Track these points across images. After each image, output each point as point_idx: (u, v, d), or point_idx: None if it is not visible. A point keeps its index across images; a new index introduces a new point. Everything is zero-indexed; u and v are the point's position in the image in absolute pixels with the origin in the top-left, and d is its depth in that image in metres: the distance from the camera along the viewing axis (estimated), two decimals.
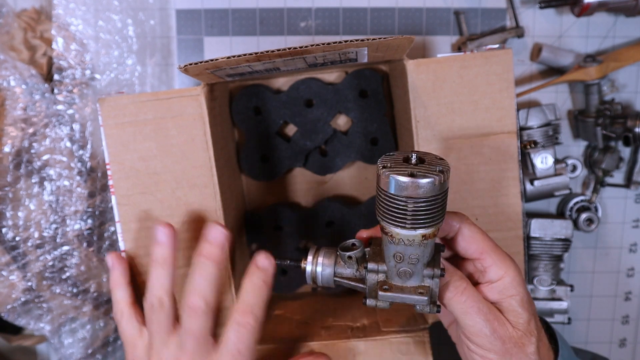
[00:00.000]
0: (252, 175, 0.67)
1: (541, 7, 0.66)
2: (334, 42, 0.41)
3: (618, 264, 0.75)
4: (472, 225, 0.43)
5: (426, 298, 0.40)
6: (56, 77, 0.63)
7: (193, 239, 0.54)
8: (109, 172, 0.53)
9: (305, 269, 0.45)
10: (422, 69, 0.52)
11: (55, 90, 0.63)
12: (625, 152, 0.71)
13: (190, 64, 0.42)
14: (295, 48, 0.42)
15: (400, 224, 0.37)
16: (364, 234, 0.46)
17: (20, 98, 0.61)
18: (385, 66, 0.66)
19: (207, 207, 0.54)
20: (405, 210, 0.36)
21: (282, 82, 0.67)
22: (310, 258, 0.45)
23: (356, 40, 0.42)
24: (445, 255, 0.46)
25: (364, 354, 0.56)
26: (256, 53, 0.42)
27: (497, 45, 0.53)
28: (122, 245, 0.54)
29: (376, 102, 0.65)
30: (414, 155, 0.37)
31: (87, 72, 0.64)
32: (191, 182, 0.54)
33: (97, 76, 0.65)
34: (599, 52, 0.70)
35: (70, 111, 0.65)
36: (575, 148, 0.73)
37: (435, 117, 0.53)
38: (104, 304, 0.69)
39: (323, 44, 0.42)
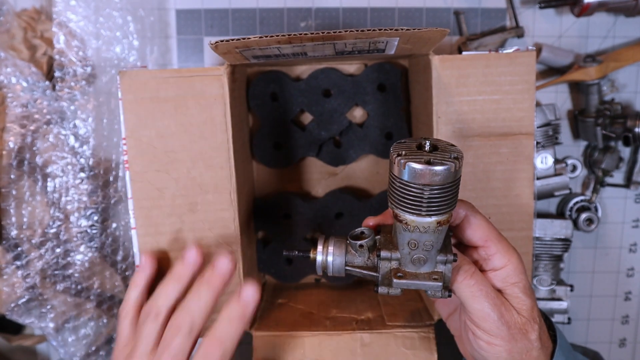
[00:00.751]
0: (264, 161, 0.67)
1: (541, 7, 0.66)
2: (367, 30, 0.41)
3: (618, 264, 0.75)
4: (478, 214, 0.43)
5: (440, 284, 0.40)
6: (57, 74, 0.62)
7: (204, 220, 0.54)
8: (124, 148, 0.53)
9: (315, 259, 0.44)
10: (447, 65, 0.52)
11: (57, 87, 0.63)
12: (625, 152, 0.72)
13: (221, 41, 0.42)
14: (329, 32, 0.42)
15: (415, 211, 0.37)
16: (370, 221, 0.46)
17: (21, 95, 0.61)
18: (404, 61, 0.66)
19: (221, 190, 0.54)
20: (421, 197, 0.36)
21: (302, 70, 0.66)
22: (320, 248, 0.44)
23: (390, 29, 0.42)
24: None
25: (369, 346, 0.56)
26: (289, 34, 0.41)
27: (529, 46, 0.54)
28: (132, 222, 0.54)
29: (394, 97, 0.64)
30: (428, 142, 0.37)
31: (88, 68, 0.64)
32: (207, 163, 0.53)
33: (98, 73, 0.65)
34: (599, 52, 0.70)
35: (72, 108, 0.64)
36: (575, 148, 0.73)
37: (457, 114, 0.53)
38: (107, 301, 0.69)
39: (356, 30, 0.41)
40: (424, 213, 0.37)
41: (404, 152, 0.36)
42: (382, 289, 0.42)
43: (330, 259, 0.43)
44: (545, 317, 0.47)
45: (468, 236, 0.43)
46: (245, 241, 0.59)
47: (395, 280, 0.40)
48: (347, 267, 0.43)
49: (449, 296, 0.41)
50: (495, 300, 0.41)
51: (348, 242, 0.43)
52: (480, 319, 0.41)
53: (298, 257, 0.47)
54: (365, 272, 0.43)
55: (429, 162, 0.35)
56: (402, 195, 0.37)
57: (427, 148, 0.37)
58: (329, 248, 0.44)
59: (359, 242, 0.42)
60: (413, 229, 0.38)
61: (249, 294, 0.44)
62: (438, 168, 0.35)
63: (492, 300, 0.41)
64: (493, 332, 0.41)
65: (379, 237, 0.43)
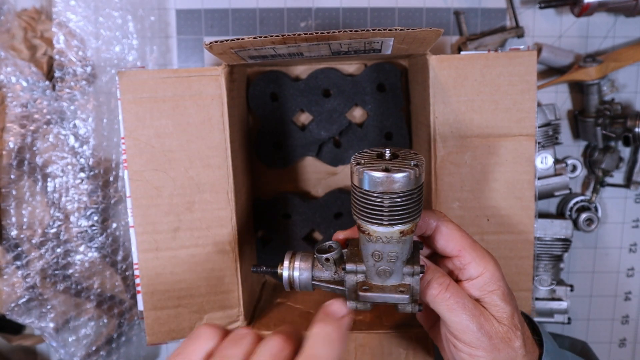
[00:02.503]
0: (263, 161, 0.67)
1: (541, 7, 0.65)
2: (362, 30, 0.41)
3: (618, 264, 0.75)
4: (450, 223, 0.43)
5: (407, 296, 0.39)
6: (57, 73, 0.63)
7: (201, 219, 0.54)
8: (123, 147, 0.53)
9: (282, 274, 0.43)
10: (444, 65, 0.52)
11: (57, 87, 0.63)
12: (625, 152, 0.71)
13: (216, 42, 0.42)
14: (322, 33, 0.41)
15: (377, 221, 0.36)
16: (340, 235, 0.45)
17: (20, 95, 0.62)
18: (404, 61, 0.66)
19: (219, 189, 0.54)
20: (382, 206, 0.36)
21: (301, 70, 0.66)
22: (286, 263, 0.43)
23: (384, 29, 0.41)
24: (424, 253, 0.45)
25: (366, 346, 0.56)
26: (283, 35, 0.41)
27: (522, 46, 0.53)
28: (131, 221, 0.54)
29: (393, 97, 0.64)
30: (387, 151, 0.37)
31: (88, 68, 0.64)
32: (205, 162, 0.53)
33: (98, 73, 0.65)
34: (599, 52, 0.70)
35: (72, 108, 0.65)
36: (575, 148, 0.72)
37: (455, 114, 0.53)
38: (107, 301, 0.69)
39: (350, 30, 0.41)
40: (385, 222, 0.36)
41: (363, 161, 0.36)
42: (350, 304, 0.41)
43: (296, 274, 0.43)
44: (530, 321, 0.46)
45: (441, 246, 0.42)
46: (244, 240, 0.59)
47: (361, 294, 0.39)
48: (314, 282, 0.43)
49: (420, 310, 0.40)
50: (473, 311, 0.40)
51: (315, 256, 0.42)
52: (459, 332, 0.40)
53: (267, 273, 0.45)
54: (332, 286, 0.42)
55: (386, 170, 0.35)
56: (364, 205, 0.36)
57: (387, 156, 0.37)
58: (295, 263, 0.43)
59: (324, 256, 0.41)
60: (376, 239, 0.37)
61: (339, 308, 0.36)
62: (397, 175, 0.35)
63: (470, 312, 0.40)
64: (474, 344, 0.40)
65: (345, 250, 0.42)
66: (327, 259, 0.41)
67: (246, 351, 0.34)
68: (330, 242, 0.43)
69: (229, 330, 0.37)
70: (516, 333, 0.41)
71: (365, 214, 0.37)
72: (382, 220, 0.36)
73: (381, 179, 0.35)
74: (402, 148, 0.38)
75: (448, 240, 0.42)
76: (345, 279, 0.41)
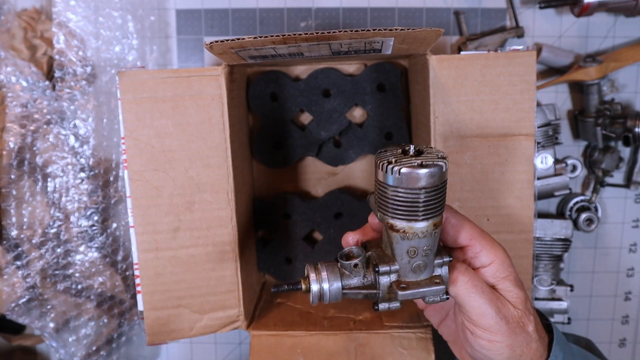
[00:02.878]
0: (263, 161, 0.67)
1: (541, 7, 0.66)
2: (362, 30, 0.41)
3: (618, 264, 0.75)
4: (458, 214, 0.43)
5: (444, 287, 0.39)
6: (57, 73, 0.63)
7: (201, 219, 0.54)
8: (123, 147, 0.53)
9: (309, 289, 0.41)
10: (444, 65, 0.52)
11: (57, 87, 0.63)
12: (625, 152, 0.71)
13: (216, 42, 0.42)
14: (322, 33, 0.41)
15: (412, 217, 0.36)
16: (349, 237, 0.44)
17: (20, 95, 0.62)
18: (405, 61, 0.66)
19: (219, 189, 0.54)
20: (418, 202, 0.36)
21: (301, 70, 0.66)
22: (313, 276, 0.41)
23: (384, 29, 0.41)
24: None
25: (366, 346, 0.56)
26: (283, 35, 0.41)
27: (521, 47, 0.53)
28: (131, 221, 0.54)
29: (393, 97, 0.64)
30: (412, 147, 0.37)
31: (88, 68, 0.64)
32: (205, 162, 0.53)
33: (98, 73, 0.65)
34: (599, 52, 0.70)
35: (72, 108, 0.65)
36: (575, 148, 0.72)
37: (455, 114, 0.53)
38: (107, 301, 0.69)
39: (351, 30, 0.41)
40: (420, 217, 0.36)
41: (393, 160, 0.36)
42: (382, 306, 0.40)
43: (326, 286, 0.41)
44: (536, 309, 0.47)
45: (452, 238, 0.43)
46: (244, 240, 0.59)
47: (400, 293, 0.39)
48: (344, 291, 0.41)
49: (447, 298, 0.41)
50: (491, 296, 0.41)
51: (339, 264, 0.41)
52: (478, 317, 0.41)
53: (289, 291, 0.43)
54: (364, 291, 0.41)
55: (422, 165, 0.35)
56: (397, 203, 0.36)
57: (412, 152, 0.37)
58: (322, 274, 0.41)
59: (353, 262, 0.41)
60: (412, 236, 0.37)
61: None
62: (433, 169, 0.35)
63: (488, 296, 0.40)
64: (493, 329, 0.40)
65: (369, 253, 0.42)
66: (355, 265, 0.41)
67: None
68: (348, 247, 0.42)
69: None
70: (529, 318, 0.41)
71: (400, 212, 0.36)
72: (417, 216, 0.36)
73: (419, 175, 0.35)
74: (419, 144, 0.38)
75: (458, 230, 0.42)
76: (379, 281, 0.40)
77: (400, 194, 0.36)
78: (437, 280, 0.39)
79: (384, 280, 0.40)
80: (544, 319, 0.45)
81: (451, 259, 0.40)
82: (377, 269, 0.40)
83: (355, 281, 0.41)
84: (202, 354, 0.76)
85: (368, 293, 0.41)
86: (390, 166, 0.35)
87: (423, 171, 0.35)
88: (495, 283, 0.42)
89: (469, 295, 0.40)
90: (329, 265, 0.42)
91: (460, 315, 0.44)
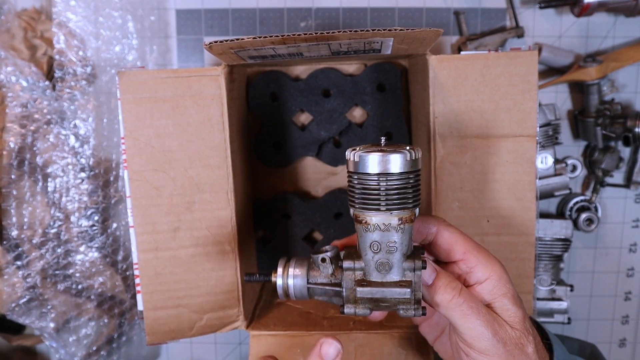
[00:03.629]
0: (263, 161, 0.67)
1: (541, 7, 0.65)
2: (361, 30, 0.41)
3: (618, 264, 0.75)
4: (451, 227, 0.42)
5: (409, 290, 0.37)
6: (57, 73, 0.63)
7: (201, 219, 0.54)
8: (123, 147, 0.53)
9: (275, 282, 0.41)
10: (444, 65, 0.52)
11: (57, 87, 0.63)
12: (625, 152, 0.71)
13: (216, 42, 0.42)
14: (322, 33, 0.41)
15: (374, 206, 0.36)
16: (337, 242, 0.44)
17: (20, 95, 0.62)
18: (404, 61, 0.66)
19: (218, 189, 0.54)
20: (378, 189, 0.35)
21: (301, 70, 0.66)
22: (280, 270, 0.41)
23: (383, 29, 0.41)
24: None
25: (366, 346, 0.56)
26: (282, 35, 0.41)
27: (523, 46, 0.53)
28: (131, 221, 0.54)
29: (393, 97, 0.64)
30: (383, 139, 0.37)
31: (88, 68, 0.64)
32: (205, 162, 0.53)
33: (98, 72, 0.65)
34: (599, 52, 0.69)
35: (72, 107, 0.65)
36: (575, 148, 0.72)
37: (454, 114, 0.53)
38: (107, 301, 0.69)
39: (350, 30, 0.41)
40: (383, 208, 0.36)
41: (357, 148, 0.36)
42: (348, 308, 0.38)
43: (291, 281, 0.41)
44: (537, 325, 0.45)
45: (445, 251, 0.41)
46: (244, 240, 0.59)
47: (358, 289, 0.37)
48: (309, 285, 0.40)
49: (423, 314, 0.38)
50: (487, 317, 0.39)
51: (310, 259, 0.41)
52: (473, 339, 0.39)
53: (260, 281, 0.43)
54: (328, 288, 0.40)
55: (382, 151, 0.35)
56: (360, 190, 0.36)
57: (382, 143, 0.37)
58: (289, 270, 0.41)
59: (320, 256, 0.40)
60: (374, 227, 0.37)
61: (331, 349, 0.38)
62: (392, 155, 0.35)
63: (484, 317, 0.38)
64: (489, 352, 0.38)
65: (342, 251, 0.41)
66: (323, 259, 0.40)
67: None
68: (324, 246, 0.42)
69: None
70: (528, 338, 0.40)
71: (361, 201, 0.36)
72: (379, 205, 0.36)
73: (377, 159, 0.35)
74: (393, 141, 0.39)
75: (451, 243, 0.41)
76: (343, 278, 0.39)
77: (363, 181, 0.36)
78: (403, 284, 0.37)
79: (348, 277, 0.39)
80: (544, 338, 0.44)
81: (424, 265, 0.38)
82: (340, 264, 0.39)
83: (322, 278, 0.40)
84: (202, 354, 0.76)
85: (333, 291, 0.40)
86: (354, 152, 0.36)
87: (385, 156, 0.35)
88: (492, 301, 0.40)
89: (465, 317, 0.38)
90: (300, 260, 0.42)
91: (454, 336, 0.42)
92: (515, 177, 0.54)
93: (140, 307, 0.55)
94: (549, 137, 0.66)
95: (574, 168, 0.70)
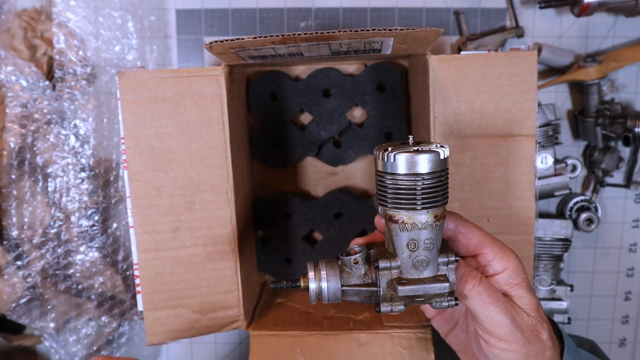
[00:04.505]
0: (263, 161, 0.67)
1: (541, 7, 0.65)
2: (362, 30, 0.41)
3: (618, 264, 0.75)
4: (468, 222, 0.43)
5: (447, 284, 0.38)
6: (57, 73, 0.63)
7: (201, 219, 0.54)
8: (123, 147, 0.53)
9: (307, 286, 0.40)
10: (444, 65, 0.52)
11: (57, 87, 0.63)
12: (625, 152, 0.71)
13: (216, 42, 0.42)
14: (322, 33, 0.41)
15: (410, 206, 0.36)
16: (359, 241, 0.44)
17: (20, 95, 0.62)
18: (405, 61, 0.66)
19: (218, 189, 0.54)
20: (415, 189, 0.36)
21: (301, 70, 0.66)
22: (311, 274, 0.40)
23: (383, 29, 0.41)
24: None
25: (366, 346, 0.56)
26: (282, 35, 0.41)
27: (523, 46, 0.53)
28: (131, 221, 0.54)
29: (393, 97, 0.64)
30: (411, 138, 0.38)
31: (88, 68, 0.65)
32: (205, 162, 0.53)
33: (98, 72, 0.65)
34: (599, 52, 0.69)
35: (72, 107, 0.65)
36: (575, 148, 0.72)
37: (454, 114, 0.53)
38: (107, 301, 0.69)
39: (350, 30, 0.41)
40: (419, 207, 0.36)
41: (389, 148, 0.36)
42: (384, 307, 0.39)
43: (324, 285, 0.40)
44: (546, 315, 0.47)
45: (463, 246, 0.42)
46: (244, 240, 0.59)
47: (399, 288, 0.37)
48: (344, 288, 0.40)
49: (456, 304, 0.39)
50: (505, 305, 0.40)
51: (340, 262, 0.40)
52: (493, 326, 0.40)
53: (288, 288, 0.42)
54: (364, 289, 0.40)
55: (419, 151, 0.35)
56: (395, 191, 0.36)
57: (410, 143, 0.37)
58: (321, 272, 0.40)
59: (352, 257, 0.40)
60: (411, 227, 0.37)
61: None
62: (428, 155, 0.35)
63: (503, 305, 0.40)
64: (508, 338, 0.40)
65: (371, 250, 0.41)
66: (355, 261, 0.40)
67: None
68: (351, 247, 0.41)
69: None
70: (543, 325, 0.41)
71: (397, 201, 0.36)
72: (415, 204, 0.36)
73: (414, 159, 0.35)
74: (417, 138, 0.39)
75: (469, 238, 0.42)
76: (380, 278, 0.39)
77: (398, 181, 0.36)
78: (441, 278, 0.38)
79: (385, 276, 0.39)
80: (554, 325, 0.45)
81: (457, 258, 0.39)
82: (376, 265, 0.39)
83: (355, 279, 0.40)
84: (202, 354, 0.76)
85: (368, 291, 0.40)
86: (387, 153, 0.36)
87: (419, 156, 0.35)
88: (509, 290, 0.41)
89: (484, 305, 0.40)
90: (329, 263, 0.41)
91: (473, 324, 0.43)
92: (514, 176, 0.54)
93: (140, 307, 0.55)
94: (549, 137, 0.66)
95: (574, 168, 0.70)
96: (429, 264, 0.39)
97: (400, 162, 0.35)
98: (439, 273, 0.39)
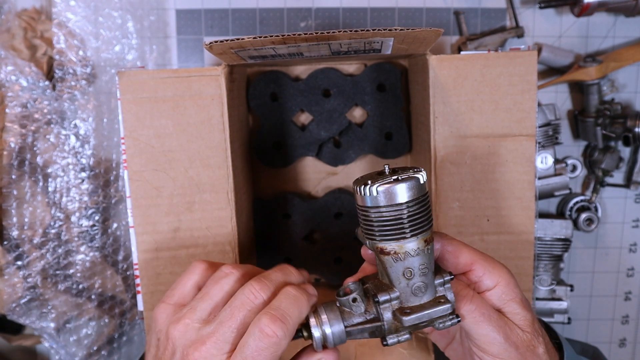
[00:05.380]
0: (263, 161, 0.67)
1: (541, 7, 0.65)
2: (362, 30, 0.41)
3: (618, 264, 0.75)
4: (454, 240, 0.42)
5: (449, 305, 0.38)
6: (57, 73, 0.63)
7: (201, 219, 0.54)
8: (123, 147, 0.53)
9: (313, 335, 0.39)
10: (444, 65, 0.52)
11: (57, 87, 0.63)
12: (625, 152, 0.71)
13: (216, 42, 0.42)
14: (322, 33, 0.41)
15: (400, 236, 0.36)
16: (349, 281, 0.43)
17: (20, 95, 0.62)
18: (405, 61, 0.66)
19: (218, 189, 0.54)
20: (401, 218, 0.36)
21: (301, 70, 0.66)
22: (312, 321, 0.39)
23: (383, 29, 0.41)
24: None
25: (366, 346, 0.56)
26: (282, 35, 0.41)
27: (522, 46, 0.53)
28: (131, 221, 0.54)
29: (393, 97, 0.64)
30: (387, 167, 0.37)
31: (88, 68, 0.65)
32: (205, 162, 0.53)
33: (98, 72, 0.65)
34: (599, 52, 0.70)
35: (72, 107, 0.65)
36: (575, 148, 0.72)
37: (454, 114, 0.53)
38: (108, 301, 0.69)
39: (350, 30, 0.41)
40: (408, 235, 0.36)
41: (369, 182, 0.36)
42: (391, 339, 0.39)
43: (327, 330, 0.39)
44: (546, 326, 0.46)
45: (451, 265, 0.42)
46: (244, 240, 0.59)
47: (404, 318, 0.37)
48: (348, 329, 0.39)
49: (459, 321, 0.39)
50: (499, 322, 0.39)
51: (337, 303, 0.40)
52: (486, 344, 0.39)
53: (293, 339, 0.40)
54: (368, 326, 0.39)
55: (398, 180, 0.35)
56: (381, 224, 0.36)
57: (387, 172, 0.37)
58: (322, 317, 0.39)
59: (351, 296, 0.39)
60: (404, 256, 0.37)
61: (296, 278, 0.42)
62: (408, 183, 0.35)
63: (496, 323, 0.39)
64: (502, 356, 0.39)
65: (367, 285, 0.40)
66: (354, 300, 0.39)
67: (227, 291, 0.40)
68: (345, 285, 0.40)
69: (219, 265, 0.43)
70: (539, 339, 0.40)
71: (386, 234, 0.36)
72: (405, 233, 0.36)
73: (395, 191, 0.35)
74: (397, 165, 0.39)
75: (457, 257, 0.41)
76: (381, 312, 0.38)
77: (383, 214, 0.36)
78: (442, 300, 0.38)
79: (387, 309, 0.38)
80: (553, 337, 0.44)
81: (452, 276, 0.39)
82: (376, 299, 0.38)
83: (357, 318, 0.39)
84: None
85: (372, 327, 0.39)
86: (367, 187, 0.36)
87: (400, 185, 0.35)
88: (502, 306, 0.41)
89: (476, 323, 0.39)
90: (327, 305, 0.40)
91: (467, 342, 0.43)
92: (514, 176, 0.54)
93: (140, 307, 0.55)
94: (549, 137, 0.66)
95: (574, 168, 0.70)
96: (427, 288, 0.38)
97: (382, 194, 0.35)
98: (437, 295, 0.39)
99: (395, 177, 0.36)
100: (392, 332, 0.39)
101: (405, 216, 0.36)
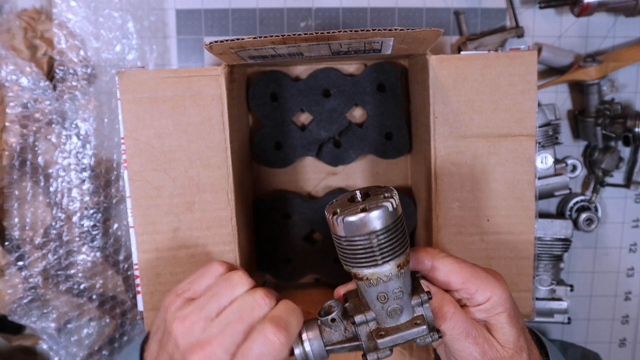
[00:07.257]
0: (263, 161, 0.67)
1: (541, 7, 0.65)
2: (362, 30, 0.41)
3: (618, 264, 0.75)
4: (446, 258, 0.42)
5: (424, 327, 0.38)
6: (58, 74, 0.63)
7: (201, 219, 0.54)
8: (123, 147, 0.53)
9: (294, 353, 0.40)
10: (444, 65, 0.52)
11: (57, 87, 0.63)
12: (625, 152, 0.71)
13: (216, 42, 0.42)
14: (322, 33, 0.41)
15: (371, 263, 0.36)
16: (341, 290, 0.44)
17: (20, 95, 0.62)
18: (405, 61, 0.66)
19: (218, 189, 0.54)
20: (371, 247, 0.36)
21: (301, 70, 0.66)
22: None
23: (383, 29, 0.41)
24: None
25: None
26: (282, 35, 0.41)
27: (522, 46, 0.53)
28: (131, 221, 0.54)
29: (393, 97, 0.64)
30: (358, 193, 0.37)
31: (89, 68, 0.65)
32: (205, 162, 0.53)
33: (99, 73, 0.65)
34: (599, 52, 0.70)
35: (73, 108, 0.65)
36: (575, 148, 0.72)
37: (454, 114, 0.53)
38: (109, 301, 0.69)
39: (350, 30, 0.41)
40: (380, 262, 0.36)
41: (338, 210, 0.36)
42: (371, 356, 0.39)
43: (308, 348, 0.40)
44: (537, 338, 0.46)
45: (444, 283, 0.42)
46: (244, 241, 0.59)
47: (379, 341, 0.38)
48: (327, 348, 0.40)
49: (440, 337, 0.39)
50: (477, 339, 0.40)
51: (318, 322, 0.41)
52: (464, 359, 0.40)
53: None
54: (347, 345, 0.40)
55: (364, 210, 0.35)
56: (353, 252, 0.36)
57: (359, 198, 0.37)
58: (303, 335, 0.40)
59: (329, 317, 0.40)
60: (376, 281, 0.37)
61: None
62: (377, 212, 0.35)
63: (473, 340, 0.40)
64: None
65: (347, 304, 0.41)
66: (333, 320, 0.40)
67: (237, 296, 0.41)
68: (328, 302, 0.41)
69: (235, 267, 0.44)
70: (522, 355, 0.41)
71: (357, 261, 0.36)
72: (376, 260, 0.36)
73: (362, 221, 0.35)
74: (370, 186, 0.38)
75: (449, 275, 0.42)
76: (358, 332, 0.39)
77: (352, 243, 0.36)
78: (418, 322, 0.39)
79: (363, 330, 0.39)
80: (543, 352, 0.44)
81: (430, 296, 0.40)
82: (353, 320, 0.39)
83: (336, 336, 0.40)
84: None
85: (351, 346, 0.40)
86: (335, 217, 0.35)
87: (369, 215, 0.35)
88: (489, 319, 0.41)
89: (454, 339, 0.40)
90: (309, 324, 0.41)
91: (449, 352, 0.43)
92: (514, 176, 0.54)
93: (140, 307, 0.55)
94: (549, 137, 0.66)
95: (574, 168, 0.70)
96: (402, 310, 0.39)
97: (351, 225, 0.35)
98: (415, 315, 0.39)
99: (363, 206, 0.35)
100: (372, 350, 0.39)
101: (375, 245, 0.36)
